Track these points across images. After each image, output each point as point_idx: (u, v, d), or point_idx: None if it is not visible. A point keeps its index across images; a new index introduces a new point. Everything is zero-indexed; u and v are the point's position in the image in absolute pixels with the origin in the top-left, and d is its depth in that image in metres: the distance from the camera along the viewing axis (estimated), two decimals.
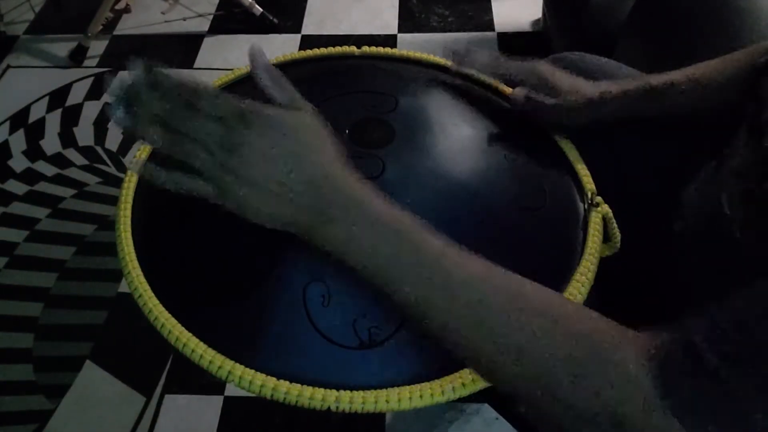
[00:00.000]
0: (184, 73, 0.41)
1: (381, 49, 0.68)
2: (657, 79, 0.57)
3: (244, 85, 0.65)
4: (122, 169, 1.30)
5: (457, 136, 0.55)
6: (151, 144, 0.40)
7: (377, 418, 0.89)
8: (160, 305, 0.44)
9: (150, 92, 0.39)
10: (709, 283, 0.49)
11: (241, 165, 0.39)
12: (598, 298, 0.48)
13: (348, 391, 0.40)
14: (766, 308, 0.32)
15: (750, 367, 0.31)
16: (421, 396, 0.40)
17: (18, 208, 1.24)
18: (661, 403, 0.32)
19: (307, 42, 1.59)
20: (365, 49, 0.68)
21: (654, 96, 0.56)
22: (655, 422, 0.32)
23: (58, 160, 1.32)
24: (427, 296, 0.37)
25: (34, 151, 1.34)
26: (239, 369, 0.41)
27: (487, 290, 0.37)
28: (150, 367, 0.99)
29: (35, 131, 1.38)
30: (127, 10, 1.69)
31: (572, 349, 0.34)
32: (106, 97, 1.44)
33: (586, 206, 0.53)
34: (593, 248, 0.49)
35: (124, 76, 0.40)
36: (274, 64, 0.66)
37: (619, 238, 0.52)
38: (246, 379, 0.41)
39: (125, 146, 1.34)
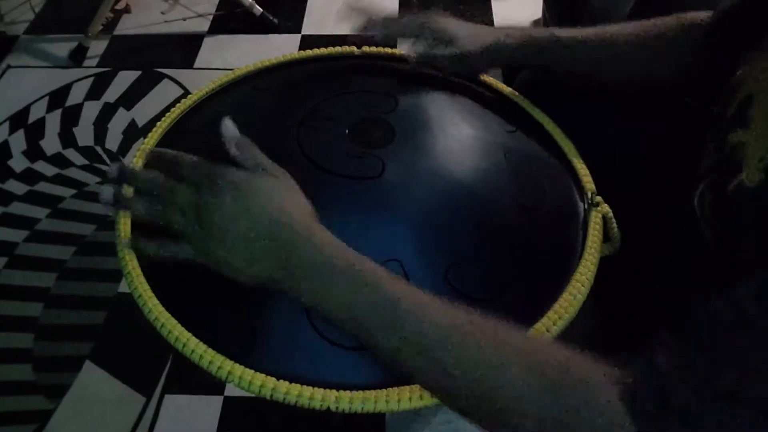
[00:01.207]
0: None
1: (381, 49, 0.68)
2: (564, 32, 0.58)
3: (245, 85, 0.65)
4: None
5: (457, 136, 0.55)
6: (136, 212, 0.45)
7: (377, 418, 0.89)
8: (160, 305, 0.44)
9: (139, 170, 0.46)
10: (686, 284, 0.49)
11: (213, 227, 0.41)
12: (596, 298, 0.48)
13: (348, 391, 0.40)
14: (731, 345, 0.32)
15: (716, 407, 0.32)
16: (421, 396, 0.40)
17: (18, 208, 1.24)
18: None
19: (307, 42, 1.59)
20: (365, 49, 0.68)
21: (560, 47, 0.58)
22: None
23: (58, 160, 1.32)
24: (400, 347, 0.38)
25: (34, 151, 1.34)
26: (239, 369, 0.41)
27: (471, 342, 0.37)
28: (150, 367, 0.99)
29: (35, 131, 1.38)
30: (127, 10, 1.69)
31: (547, 373, 0.35)
32: (105, 97, 1.44)
33: (586, 206, 0.53)
34: (593, 248, 0.49)
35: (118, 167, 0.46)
36: (274, 64, 0.67)
37: (619, 237, 0.52)
38: (246, 379, 0.41)
39: (125, 146, 1.34)
